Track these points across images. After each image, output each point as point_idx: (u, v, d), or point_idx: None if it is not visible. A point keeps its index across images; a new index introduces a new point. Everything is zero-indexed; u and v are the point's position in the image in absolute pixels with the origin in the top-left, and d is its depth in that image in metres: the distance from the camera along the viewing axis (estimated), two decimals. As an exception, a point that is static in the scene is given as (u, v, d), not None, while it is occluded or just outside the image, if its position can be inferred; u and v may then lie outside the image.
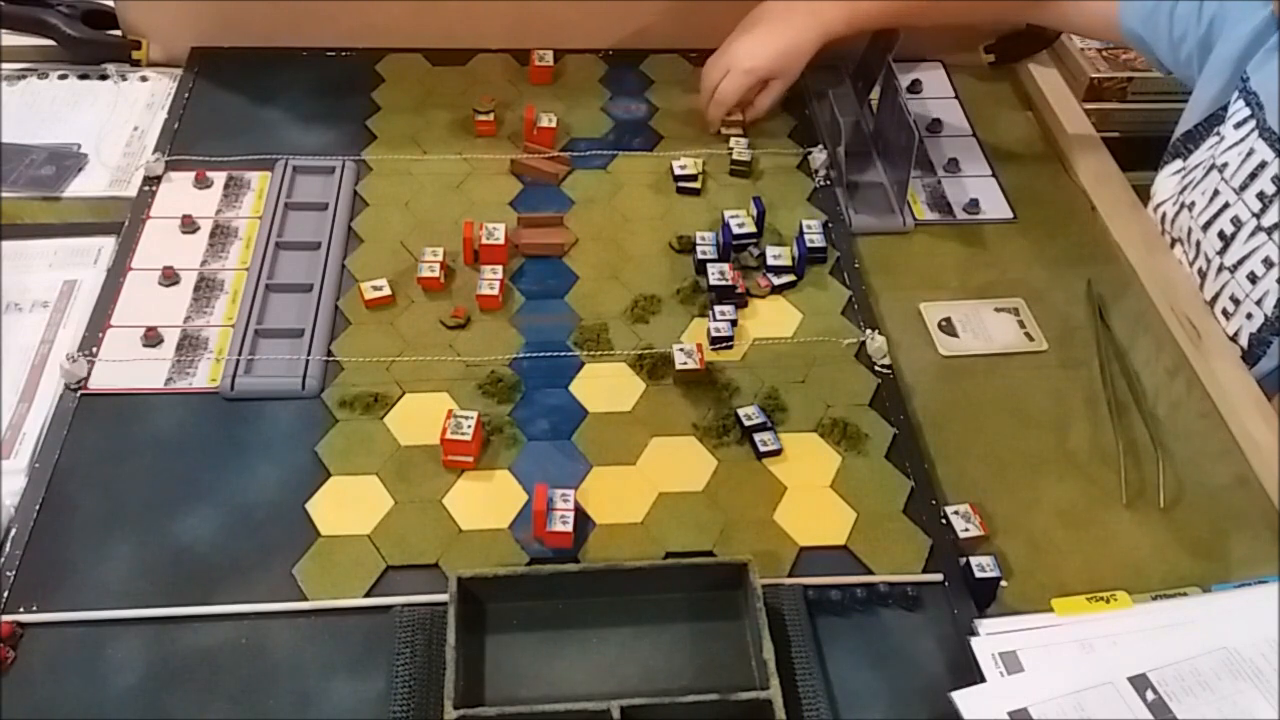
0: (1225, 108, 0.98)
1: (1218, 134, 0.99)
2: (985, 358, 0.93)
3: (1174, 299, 0.98)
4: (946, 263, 1.02)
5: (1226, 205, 0.95)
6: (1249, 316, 0.93)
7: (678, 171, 1.07)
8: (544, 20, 1.20)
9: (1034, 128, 1.20)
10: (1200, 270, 0.98)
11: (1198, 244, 0.98)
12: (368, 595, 0.73)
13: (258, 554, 0.75)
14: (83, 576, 0.73)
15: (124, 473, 0.80)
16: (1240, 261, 0.93)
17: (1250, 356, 0.94)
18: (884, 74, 1.10)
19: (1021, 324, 0.96)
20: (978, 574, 0.75)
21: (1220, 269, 0.95)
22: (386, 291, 0.93)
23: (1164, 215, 1.04)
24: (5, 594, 0.72)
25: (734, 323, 0.92)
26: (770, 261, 0.97)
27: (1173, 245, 1.03)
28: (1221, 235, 0.95)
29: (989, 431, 0.87)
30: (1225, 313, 0.95)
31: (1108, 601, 0.72)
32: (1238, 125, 0.95)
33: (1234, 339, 0.95)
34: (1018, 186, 1.11)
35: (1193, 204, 0.99)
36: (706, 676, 0.70)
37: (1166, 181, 1.05)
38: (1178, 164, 1.05)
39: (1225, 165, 0.95)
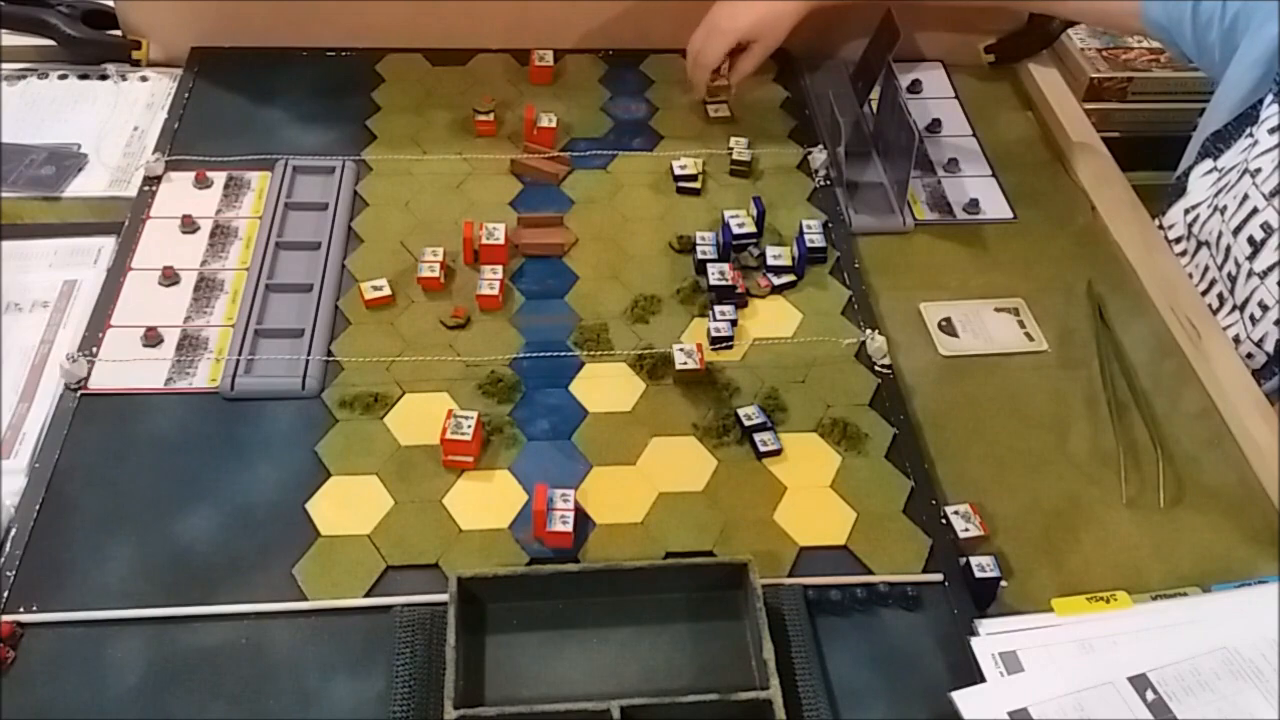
0: (1256, 107, 0.98)
1: (1250, 135, 0.98)
2: (985, 358, 0.93)
3: (1174, 299, 0.98)
4: (946, 263, 1.02)
5: (1256, 210, 0.94)
6: (1278, 323, 0.92)
7: (678, 171, 1.07)
8: (544, 20, 1.20)
9: (1034, 128, 1.20)
10: (1230, 275, 0.97)
11: (1227, 248, 0.97)
12: (368, 595, 0.73)
13: (258, 554, 0.75)
14: (83, 576, 0.73)
15: (124, 473, 0.80)
16: (1270, 268, 0.93)
17: (1279, 362, 0.93)
18: (884, 74, 1.10)
19: (1021, 324, 0.96)
20: (978, 574, 0.75)
21: (1250, 274, 0.95)
22: (386, 291, 0.93)
23: (1196, 218, 1.02)
24: (5, 594, 0.72)
25: (734, 323, 0.92)
26: (770, 261, 0.97)
27: (1198, 249, 1.02)
28: (1251, 240, 0.94)
29: (989, 431, 0.87)
30: (1253, 318, 0.95)
31: (1108, 601, 0.72)
32: (1272, 130, 0.94)
33: (1259, 344, 0.94)
34: (1018, 186, 1.11)
35: (1225, 207, 0.98)
36: (706, 676, 0.70)
37: (1200, 182, 1.04)
38: (1208, 164, 1.03)
39: (1259, 170, 0.94)
